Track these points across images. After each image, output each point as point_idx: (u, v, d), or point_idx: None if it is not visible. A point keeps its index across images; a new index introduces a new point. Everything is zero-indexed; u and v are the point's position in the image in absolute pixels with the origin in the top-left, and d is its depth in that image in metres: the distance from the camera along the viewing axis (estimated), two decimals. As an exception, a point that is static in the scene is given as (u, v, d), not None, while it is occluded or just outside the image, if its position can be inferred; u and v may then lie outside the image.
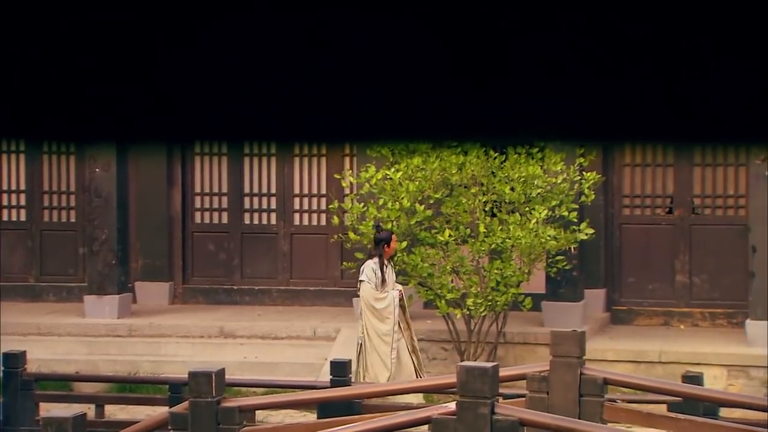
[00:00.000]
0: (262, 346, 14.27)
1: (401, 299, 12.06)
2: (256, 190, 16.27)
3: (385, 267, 12.07)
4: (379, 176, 12.92)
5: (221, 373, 7.95)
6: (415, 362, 12.08)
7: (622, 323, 14.91)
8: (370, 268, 12.08)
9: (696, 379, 9.78)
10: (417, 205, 12.81)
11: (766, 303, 13.55)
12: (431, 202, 13.05)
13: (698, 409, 8.84)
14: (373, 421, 6.49)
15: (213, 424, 7.76)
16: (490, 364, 6.39)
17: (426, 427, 6.82)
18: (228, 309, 15.79)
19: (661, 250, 14.99)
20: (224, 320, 14.96)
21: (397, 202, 12.82)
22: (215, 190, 16.40)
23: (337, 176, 14.90)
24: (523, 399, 7.42)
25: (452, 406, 6.43)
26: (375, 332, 12.04)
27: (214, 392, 7.77)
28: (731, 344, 13.72)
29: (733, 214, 14.93)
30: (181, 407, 7.96)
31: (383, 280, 12.02)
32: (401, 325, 12.05)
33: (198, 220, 16.45)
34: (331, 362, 11.00)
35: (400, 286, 12.21)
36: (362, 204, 13.12)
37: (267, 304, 15.94)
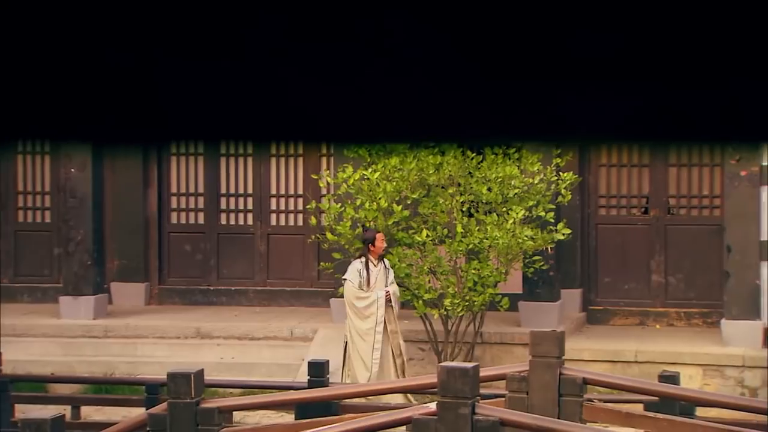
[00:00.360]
0: (238, 347, 14.24)
1: (389, 300, 11.98)
2: (232, 190, 16.24)
3: (373, 266, 12.03)
4: (357, 176, 12.92)
5: (200, 374, 7.93)
6: (398, 368, 11.97)
7: (598, 323, 14.97)
8: (354, 267, 12.10)
9: (672, 379, 9.81)
10: (394, 205, 12.82)
11: (741, 303, 13.63)
12: (409, 202, 13.06)
13: (675, 409, 8.89)
14: (353, 422, 6.49)
15: (192, 426, 7.73)
16: (470, 365, 6.40)
17: (404, 427, 6.83)
18: (204, 309, 15.75)
19: (637, 250, 15.06)
20: (201, 321, 14.92)
21: (375, 203, 12.82)
22: (191, 190, 16.36)
23: (314, 176, 14.91)
24: (503, 399, 7.43)
25: (433, 406, 6.44)
26: (356, 331, 12.04)
27: (193, 393, 7.74)
28: (706, 344, 13.79)
29: (708, 214, 15.01)
30: (159, 408, 7.93)
31: (368, 280, 11.99)
32: (387, 327, 11.97)
33: (174, 220, 16.40)
34: (308, 363, 10.99)
35: (393, 288, 12.13)
36: (339, 204, 13.12)
37: (244, 305, 15.91)
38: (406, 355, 12.24)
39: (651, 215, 15.08)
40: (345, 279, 12.15)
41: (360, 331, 11.99)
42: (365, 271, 12.03)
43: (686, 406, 9.08)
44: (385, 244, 12.24)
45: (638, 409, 8.66)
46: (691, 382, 12.78)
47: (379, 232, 12.31)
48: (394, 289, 12.13)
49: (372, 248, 12.09)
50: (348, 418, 7.65)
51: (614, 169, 15.18)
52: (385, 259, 12.28)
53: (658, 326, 14.95)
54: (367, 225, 12.77)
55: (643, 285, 15.07)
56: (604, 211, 15.26)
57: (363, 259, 12.09)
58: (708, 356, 13.43)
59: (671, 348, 13.62)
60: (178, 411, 7.74)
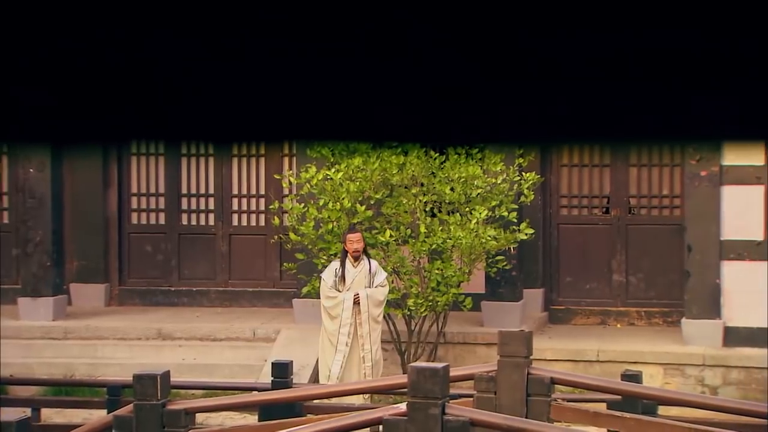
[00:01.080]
0: (200, 348, 14.17)
1: (358, 302, 11.71)
2: (193, 190, 16.16)
3: (351, 267, 11.87)
4: (320, 176, 12.90)
5: (166, 375, 7.87)
6: (361, 376, 11.81)
7: (560, 322, 15.03)
8: (332, 266, 12.02)
9: (635, 378, 9.87)
10: (358, 205, 12.80)
11: (701, 302, 13.73)
12: (372, 202, 13.05)
13: (637, 408, 8.93)
14: (323, 423, 6.47)
15: (158, 427, 7.68)
16: (440, 365, 6.40)
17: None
18: (165, 310, 15.66)
19: (598, 249, 15.13)
20: (162, 322, 14.84)
21: (338, 203, 12.80)
22: (152, 190, 16.26)
23: (277, 176, 14.87)
24: (471, 399, 7.44)
25: (403, 406, 6.43)
26: (324, 330, 11.99)
27: (159, 395, 7.69)
28: (667, 343, 13.88)
29: (668, 214, 15.11)
30: (125, 410, 7.87)
31: (344, 280, 11.86)
32: (358, 331, 11.79)
33: (134, 221, 16.30)
34: (272, 363, 10.94)
35: (370, 291, 11.78)
36: (302, 204, 13.09)
37: (205, 306, 15.84)
38: (377, 366, 11.91)
39: (612, 215, 15.16)
40: (321, 277, 12.06)
41: (327, 330, 11.93)
42: (341, 271, 11.85)
43: (648, 405, 9.14)
44: (359, 245, 11.89)
45: (602, 408, 8.71)
46: (652, 381, 12.86)
47: (353, 232, 12.06)
48: (369, 292, 11.77)
49: (346, 248, 11.91)
50: (315, 419, 7.62)
51: (576, 169, 15.25)
52: (372, 261, 12.01)
53: (619, 325, 15.03)
54: (330, 226, 12.75)
55: (604, 284, 15.14)
56: (565, 211, 15.32)
57: (341, 258, 11.94)
58: (669, 355, 13.53)
59: (632, 347, 13.71)
60: (144, 413, 7.68)
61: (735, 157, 13.55)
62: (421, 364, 6.47)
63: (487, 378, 7.41)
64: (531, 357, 7.45)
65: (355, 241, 11.84)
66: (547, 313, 15.08)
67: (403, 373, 13.13)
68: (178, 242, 16.15)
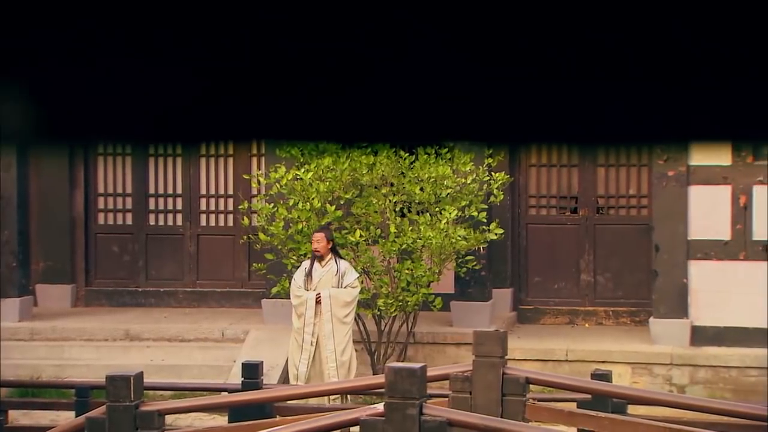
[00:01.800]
0: (169, 349, 14.10)
1: (319, 302, 11.68)
2: (161, 190, 16.07)
3: (319, 266, 11.87)
4: (290, 176, 12.87)
5: (139, 376, 7.82)
6: (324, 378, 11.79)
7: (528, 322, 15.06)
8: (303, 265, 12.02)
9: (604, 377, 9.92)
10: (327, 205, 12.78)
11: (669, 301, 13.80)
12: (342, 202, 13.04)
13: (607, 407, 8.97)
14: (300, 424, 6.45)
15: (131, 429, 7.63)
16: (418, 365, 6.40)
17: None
18: (133, 311, 15.58)
19: (567, 249, 15.18)
20: (129, 323, 14.76)
21: (308, 203, 12.77)
22: (119, 190, 16.17)
23: (246, 177, 14.83)
24: (446, 399, 7.44)
25: (380, 407, 6.42)
26: (293, 329, 12.00)
27: (132, 396, 7.64)
28: (635, 342, 13.95)
29: (636, 213, 15.18)
30: (97, 412, 7.81)
31: (311, 279, 11.83)
32: (322, 331, 11.77)
33: (101, 221, 16.20)
34: (242, 364, 10.89)
35: (333, 291, 11.73)
36: (272, 205, 13.05)
37: (173, 306, 15.76)
38: (343, 368, 11.86)
39: (580, 215, 15.22)
40: (293, 276, 12.07)
41: (294, 329, 11.93)
42: (309, 270, 11.84)
43: (618, 404, 9.17)
44: (318, 245, 11.88)
45: (572, 407, 8.74)
46: (620, 380, 12.91)
47: (317, 231, 12.05)
48: (333, 292, 11.72)
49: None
50: (291, 420, 7.60)
51: (544, 169, 15.29)
52: (342, 261, 11.96)
53: (587, 325, 15.09)
54: (300, 226, 12.72)
55: (572, 284, 15.20)
56: (534, 210, 15.36)
57: (311, 258, 11.94)
58: (637, 354, 13.59)
59: (601, 347, 13.76)
60: (117, 414, 7.63)
61: (702, 157, 13.63)
62: (398, 364, 6.46)
63: (463, 378, 7.41)
64: (506, 357, 7.46)
65: (314, 240, 11.87)
66: (516, 313, 15.12)
67: (373, 373, 13.16)
68: (146, 243, 16.07)
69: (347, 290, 11.83)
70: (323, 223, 12.83)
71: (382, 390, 9.74)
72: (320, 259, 11.81)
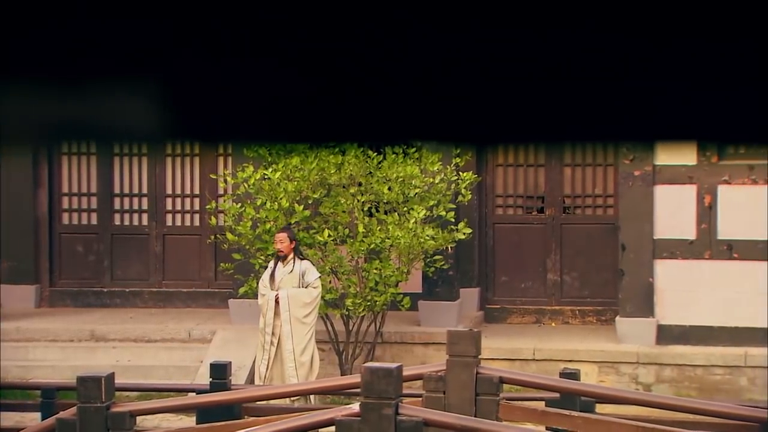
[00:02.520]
0: (135, 350, 14.03)
1: (278, 303, 11.72)
2: (126, 190, 15.97)
3: (281, 266, 11.90)
4: (258, 176, 12.83)
5: (111, 377, 7.76)
6: (289, 376, 11.81)
7: (495, 321, 15.08)
8: (269, 265, 12.05)
9: (573, 376, 9.97)
10: (296, 205, 12.75)
11: (635, 300, 13.87)
12: (310, 202, 13.01)
13: (575, 405, 9.01)
14: (275, 424, 6.42)
15: (102, 430, 7.57)
16: (394, 365, 6.39)
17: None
18: (98, 312, 15.47)
19: (533, 249, 15.21)
20: (94, 323, 14.66)
21: (276, 203, 12.74)
22: (84, 190, 16.05)
23: (213, 176, 14.77)
24: (419, 399, 7.44)
25: (356, 407, 6.41)
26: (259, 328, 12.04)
27: (103, 397, 7.58)
28: (601, 341, 14.00)
29: (602, 213, 15.24)
30: (68, 413, 7.75)
31: (273, 279, 11.89)
32: (281, 332, 11.81)
33: (66, 221, 16.08)
34: (210, 364, 10.83)
35: (291, 291, 11.77)
36: (239, 204, 13.01)
37: (139, 307, 15.66)
38: (303, 368, 11.87)
39: (547, 214, 15.25)
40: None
41: (259, 328, 11.99)
42: (272, 270, 11.92)
43: (586, 402, 9.21)
44: (280, 245, 11.86)
45: (540, 405, 8.76)
46: (587, 378, 12.96)
47: (279, 232, 12.09)
48: (292, 292, 11.75)
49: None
50: (262, 420, 7.57)
51: (511, 169, 15.32)
52: (304, 261, 11.99)
53: (553, 324, 15.13)
54: (268, 225, 12.70)
55: (539, 284, 15.23)
56: (501, 210, 15.39)
57: (275, 258, 12.03)
58: (603, 353, 13.65)
59: (568, 345, 13.82)
60: (89, 415, 7.57)
61: (668, 156, 13.71)
62: (374, 364, 6.45)
63: (436, 378, 7.42)
64: (479, 356, 7.47)
65: (277, 240, 11.94)
66: (483, 312, 15.13)
67: (341, 374, 13.15)
68: (111, 242, 15.96)
69: (307, 290, 11.86)
70: (290, 223, 12.82)
71: (352, 390, 9.79)
72: (283, 259, 11.85)
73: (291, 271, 11.84)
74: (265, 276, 11.98)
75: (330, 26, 1.23)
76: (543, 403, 9.03)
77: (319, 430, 6.76)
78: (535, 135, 1.31)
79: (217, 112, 1.28)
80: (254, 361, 13.44)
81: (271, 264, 12.04)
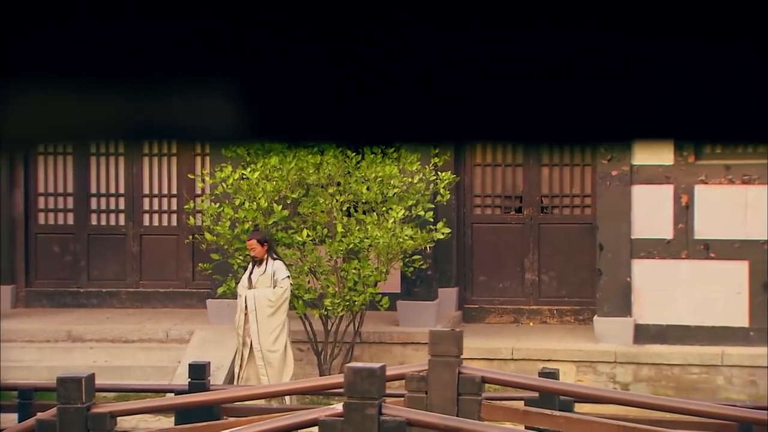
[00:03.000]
0: (112, 350, 13.96)
1: (248, 305, 11.94)
2: (103, 190, 15.89)
3: (256, 268, 12.05)
4: (236, 176, 12.80)
5: (91, 378, 7.74)
6: (260, 375, 11.89)
7: (473, 321, 15.08)
8: (247, 268, 12.24)
9: (552, 375, 10.00)
10: (274, 205, 12.73)
11: (612, 300, 13.91)
12: (288, 202, 12.99)
13: (554, 404, 9.03)
14: (258, 425, 6.41)
15: (83, 431, 7.54)
16: (377, 365, 6.38)
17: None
18: (75, 312, 15.39)
19: (511, 248, 15.22)
20: (71, 324, 14.58)
21: (254, 202, 12.71)
22: (60, 190, 15.96)
23: (191, 176, 14.72)
24: (401, 399, 7.43)
25: (339, 407, 6.40)
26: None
27: (84, 398, 7.55)
28: (579, 340, 14.04)
29: (580, 213, 15.26)
30: (48, 414, 7.72)
31: (249, 281, 12.06)
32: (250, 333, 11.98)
33: (42, 221, 15.98)
34: (189, 365, 10.81)
35: (256, 292, 11.98)
36: (218, 204, 12.97)
37: (116, 307, 15.58)
38: (272, 367, 11.92)
39: (525, 214, 15.27)
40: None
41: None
42: (249, 272, 12.15)
43: (565, 401, 9.23)
44: (256, 250, 12.01)
45: (519, 405, 8.78)
46: (565, 378, 12.98)
47: (249, 239, 12.26)
48: (257, 292, 11.98)
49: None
50: (245, 421, 7.55)
51: (489, 169, 15.33)
52: (276, 262, 12.19)
53: (531, 324, 15.15)
54: (247, 225, 12.71)
55: (517, 283, 15.25)
56: (479, 210, 15.40)
57: (252, 261, 12.24)
58: (581, 353, 13.68)
59: (546, 345, 13.84)
60: (69, 416, 7.54)
61: (645, 156, 13.76)
62: (358, 364, 6.44)
63: (418, 377, 7.42)
64: (461, 356, 7.48)
65: (248, 248, 12.22)
66: (461, 312, 15.14)
67: (320, 373, 13.14)
68: (87, 243, 15.88)
69: (270, 290, 12.05)
70: (269, 223, 12.80)
71: (331, 391, 9.78)
72: (259, 262, 12.09)
73: (264, 272, 12.06)
74: (244, 278, 12.21)
75: (321, 26, 1.22)
76: (522, 402, 9.08)
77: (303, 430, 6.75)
78: (531, 136, 1.31)
79: (219, 113, 1.27)
80: (232, 361, 13.43)
81: (249, 266, 12.23)
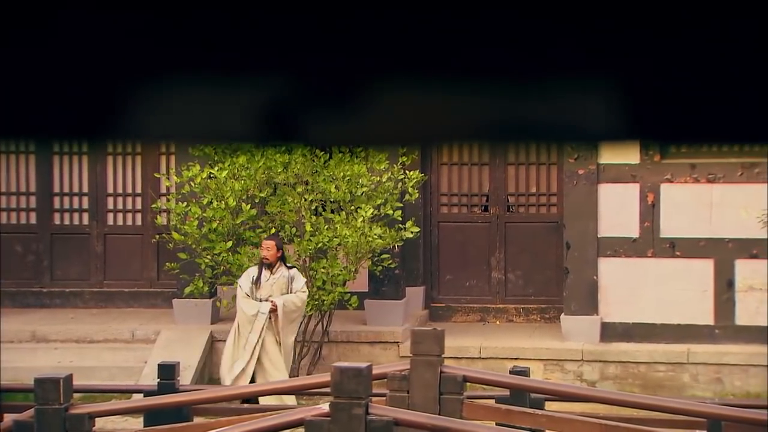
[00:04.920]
0: (77, 350, 13.82)
1: (274, 311, 11.74)
2: (66, 189, 15.73)
3: (268, 273, 11.84)
4: (204, 175, 12.72)
5: (69, 378, 7.65)
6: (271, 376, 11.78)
7: (440, 320, 15.06)
8: (248, 272, 12.01)
9: (523, 373, 10.03)
10: (243, 204, 12.67)
11: (579, 298, 13.96)
12: (256, 201, 12.93)
13: (525, 402, 9.05)
14: (244, 425, 6.36)
15: (60, 432, 7.46)
16: (364, 364, 6.35)
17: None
18: (38, 312, 15.22)
19: (478, 247, 15.24)
20: (35, 324, 14.43)
21: (223, 202, 12.64)
22: (22, 189, 15.78)
23: (157, 175, 14.61)
24: (383, 398, 7.41)
25: (325, 407, 6.37)
26: (237, 331, 11.94)
27: (61, 399, 7.47)
28: (546, 339, 14.08)
29: (546, 212, 15.30)
30: (25, 415, 7.63)
31: (258, 286, 11.85)
32: (267, 338, 11.77)
33: (4, 220, 15.79)
34: (158, 365, 10.72)
35: (283, 299, 11.80)
36: (185, 204, 12.89)
37: (79, 307, 15.42)
38: (278, 371, 11.75)
39: (491, 213, 15.29)
40: (238, 283, 12.06)
41: (237, 330, 11.88)
42: (257, 276, 11.85)
43: (536, 399, 9.25)
44: (272, 252, 11.77)
45: (490, 403, 8.79)
46: (533, 376, 13.02)
47: (269, 239, 12.02)
48: (284, 300, 11.79)
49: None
50: (226, 422, 7.50)
51: (455, 168, 15.34)
52: (292, 269, 12.02)
53: (497, 322, 15.18)
54: (215, 224, 12.63)
55: (483, 282, 15.27)
56: (445, 209, 15.40)
57: (259, 264, 11.94)
58: (549, 351, 13.73)
59: (513, 343, 13.87)
60: (47, 417, 7.45)
61: (611, 155, 13.83)
62: (344, 364, 6.42)
63: (400, 377, 7.40)
64: (443, 355, 7.47)
65: (264, 248, 11.91)
66: (428, 311, 15.14)
67: (288, 374, 13.08)
68: (51, 242, 15.71)
69: (297, 295, 11.93)
70: (238, 222, 12.75)
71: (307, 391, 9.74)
72: (269, 266, 11.82)
73: (277, 278, 11.81)
74: (245, 282, 11.87)
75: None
76: (494, 400, 9.09)
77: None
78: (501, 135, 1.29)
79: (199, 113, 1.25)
80: (199, 362, 13.35)
81: (253, 270, 11.94)
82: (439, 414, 7.22)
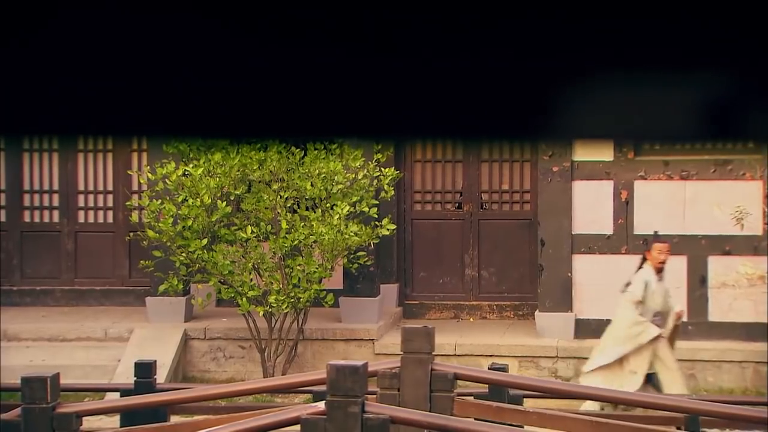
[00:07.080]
0: (49, 349, 13.70)
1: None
2: (36, 186, 15.57)
3: (657, 279, 11.13)
4: (179, 172, 12.64)
5: (56, 377, 7.58)
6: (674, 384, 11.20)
7: (414, 317, 15.06)
8: (640, 277, 11.14)
9: (501, 370, 10.04)
10: (219, 201, 12.61)
11: (554, 295, 14.00)
12: (232, 198, 12.87)
13: (504, 398, 9.06)
14: (238, 423, 6.32)
15: (48, 431, 7.38)
16: (360, 363, 6.33)
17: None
18: (8, 311, 15.04)
19: (451, 244, 15.25)
20: (6, 323, 14.27)
21: (198, 199, 12.57)
22: (-9, 186, 15.64)
23: (130, 172, 14.50)
24: (373, 396, 7.38)
25: (321, 405, 6.33)
26: (626, 333, 11.38)
27: (49, 398, 7.39)
28: (520, 336, 14.11)
29: (519, 209, 15.32)
30: (12, 414, 7.55)
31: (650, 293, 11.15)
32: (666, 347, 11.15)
33: (-28, 218, 15.64)
34: (135, 363, 10.64)
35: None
36: (159, 201, 12.80)
37: (50, 305, 15.28)
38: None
39: (464, 210, 15.30)
40: (627, 290, 11.20)
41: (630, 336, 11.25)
42: (652, 284, 11.05)
43: (514, 396, 9.27)
44: (667, 257, 11.03)
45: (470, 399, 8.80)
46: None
47: (661, 241, 11.21)
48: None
49: (650, 258, 11.14)
50: (215, 422, 7.45)
51: (429, 165, 15.33)
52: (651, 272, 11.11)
53: (471, 319, 15.19)
54: (189, 222, 12.54)
55: (457, 279, 15.27)
56: (419, 206, 15.39)
57: (648, 271, 11.10)
58: (523, 348, 13.76)
59: (488, 340, 13.89)
60: (33, 417, 7.37)
61: (585, 152, 13.88)
62: (340, 362, 6.38)
63: (391, 375, 7.38)
64: (383, 352, 7.48)
65: (664, 251, 11.05)
66: (402, 308, 15.12)
67: (263, 371, 13.04)
68: (20, 240, 15.55)
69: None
70: (213, 220, 12.65)
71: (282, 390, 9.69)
72: (660, 271, 11.04)
73: (663, 282, 11.15)
74: (639, 291, 11.00)
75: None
76: (472, 396, 9.09)
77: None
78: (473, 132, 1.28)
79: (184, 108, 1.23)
80: (173, 360, 13.27)
81: (648, 276, 11.06)
82: (430, 411, 7.20)
